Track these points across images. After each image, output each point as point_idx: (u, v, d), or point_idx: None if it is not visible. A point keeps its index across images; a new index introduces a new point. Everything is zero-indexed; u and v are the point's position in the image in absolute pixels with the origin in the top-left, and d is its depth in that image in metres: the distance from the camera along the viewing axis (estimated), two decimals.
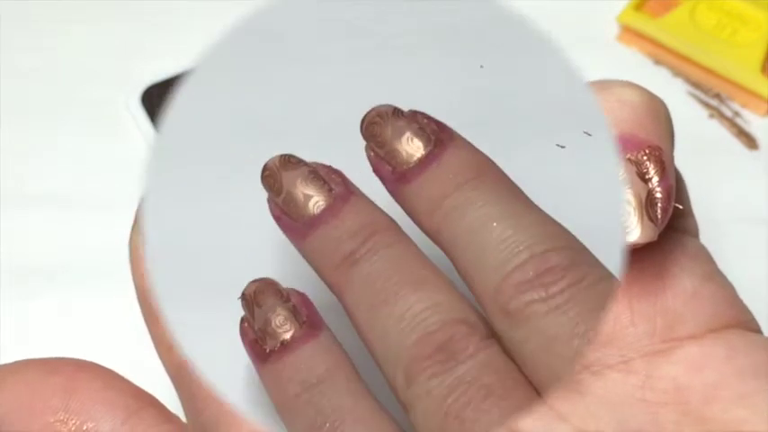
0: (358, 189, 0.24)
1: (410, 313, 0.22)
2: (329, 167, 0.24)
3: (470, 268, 0.22)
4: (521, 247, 0.21)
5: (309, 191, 0.23)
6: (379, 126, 0.24)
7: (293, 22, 0.36)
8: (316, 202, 0.23)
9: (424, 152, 0.23)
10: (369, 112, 0.24)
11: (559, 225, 0.22)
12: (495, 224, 0.22)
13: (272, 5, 0.35)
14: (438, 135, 0.23)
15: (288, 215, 0.24)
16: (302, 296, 0.24)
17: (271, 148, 0.32)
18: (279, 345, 0.23)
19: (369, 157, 0.24)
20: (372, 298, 0.22)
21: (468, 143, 0.23)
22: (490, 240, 0.22)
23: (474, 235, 0.22)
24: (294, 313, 0.24)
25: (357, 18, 0.36)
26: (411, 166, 0.23)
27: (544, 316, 0.21)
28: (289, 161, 0.24)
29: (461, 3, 0.35)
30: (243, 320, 0.24)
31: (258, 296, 0.24)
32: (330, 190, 0.23)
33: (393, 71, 0.34)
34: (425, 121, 0.23)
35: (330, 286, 0.24)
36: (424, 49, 0.35)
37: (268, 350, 0.23)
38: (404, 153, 0.23)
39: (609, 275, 0.22)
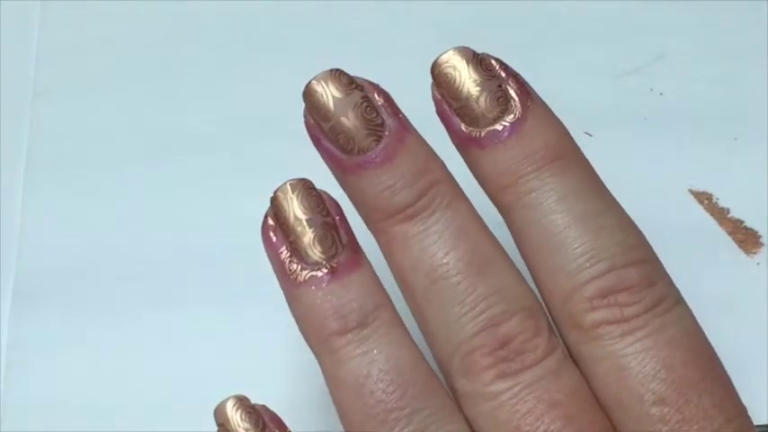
0: (410, 123, 0.22)
1: (473, 297, 0.20)
2: (376, 87, 0.21)
3: (540, 263, 0.21)
4: (601, 256, 0.20)
5: (362, 123, 0.21)
6: (453, 75, 0.21)
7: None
8: (367, 137, 0.21)
9: (503, 119, 0.21)
10: (444, 54, 0.21)
11: (636, 228, 0.21)
12: (573, 223, 0.21)
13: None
14: (519, 98, 0.21)
15: (332, 143, 0.21)
16: (338, 207, 0.21)
17: (271, 145, 0.32)
18: (322, 269, 0.21)
19: (434, 99, 0.22)
20: (431, 269, 0.21)
21: (547, 110, 0.22)
22: (567, 240, 0.20)
23: (549, 229, 0.21)
24: (336, 231, 0.21)
25: (357, 18, 0.36)
26: (486, 132, 0.21)
27: (617, 340, 0.20)
28: (339, 80, 0.21)
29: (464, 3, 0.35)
30: (268, 226, 0.21)
31: (294, 201, 0.21)
32: (383, 123, 0.21)
33: (392, 72, 0.34)
34: (504, 74, 0.21)
35: (375, 234, 0.21)
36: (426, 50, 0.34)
37: (304, 273, 0.21)
38: (480, 114, 0.21)
39: (680, 297, 0.21)
